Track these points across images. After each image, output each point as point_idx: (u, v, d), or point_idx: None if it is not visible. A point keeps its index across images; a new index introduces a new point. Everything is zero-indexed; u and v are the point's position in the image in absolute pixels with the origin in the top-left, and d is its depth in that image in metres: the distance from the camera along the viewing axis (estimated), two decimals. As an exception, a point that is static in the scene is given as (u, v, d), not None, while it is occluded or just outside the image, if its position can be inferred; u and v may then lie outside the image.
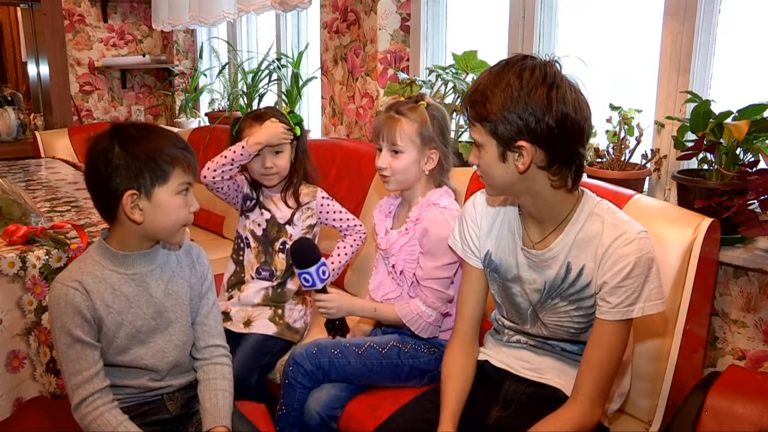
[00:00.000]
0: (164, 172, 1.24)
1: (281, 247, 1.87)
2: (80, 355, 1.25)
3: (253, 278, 1.89)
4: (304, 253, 1.56)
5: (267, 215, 1.87)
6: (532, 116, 1.10)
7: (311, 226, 1.89)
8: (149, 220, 1.25)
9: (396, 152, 1.57)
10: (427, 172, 1.60)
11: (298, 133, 1.85)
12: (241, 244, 1.91)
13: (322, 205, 1.88)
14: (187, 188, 1.28)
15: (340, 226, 1.91)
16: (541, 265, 1.25)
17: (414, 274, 1.61)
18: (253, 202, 1.90)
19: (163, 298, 1.34)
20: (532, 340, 1.34)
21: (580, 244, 1.20)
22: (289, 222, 1.86)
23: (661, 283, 1.18)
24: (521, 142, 1.12)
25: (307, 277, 1.55)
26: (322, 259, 1.57)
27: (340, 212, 1.90)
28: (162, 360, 1.35)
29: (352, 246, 1.91)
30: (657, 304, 1.16)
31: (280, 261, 1.87)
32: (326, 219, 1.90)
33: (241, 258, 1.91)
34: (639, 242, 1.15)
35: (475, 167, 1.29)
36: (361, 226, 1.93)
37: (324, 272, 1.57)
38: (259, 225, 1.88)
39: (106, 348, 1.29)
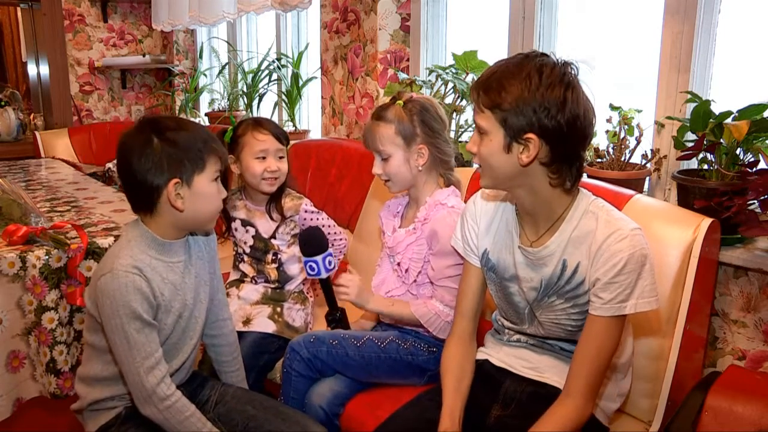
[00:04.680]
0: (202, 160, 1.29)
1: (273, 258, 1.90)
2: (150, 338, 1.27)
3: (252, 282, 1.92)
4: (312, 242, 1.56)
5: (252, 231, 1.89)
6: (546, 111, 1.11)
7: (295, 236, 1.90)
8: (189, 207, 1.29)
9: (384, 158, 1.58)
10: (420, 168, 1.58)
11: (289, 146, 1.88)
12: (238, 258, 1.96)
13: (305, 219, 1.89)
14: (218, 176, 1.33)
15: None
16: (537, 263, 1.25)
17: (419, 273, 1.61)
18: (234, 226, 1.92)
19: (195, 283, 1.39)
20: (532, 340, 1.34)
21: (575, 242, 1.20)
22: (273, 236, 1.88)
23: (655, 281, 1.17)
24: (530, 135, 1.13)
25: (313, 265, 1.55)
26: (330, 250, 1.57)
27: (323, 226, 1.90)
28: (189, 342, 1.39)
29: None
30: (650, 301, 1.16)
31: (273, 270, 1.90)
32: None
33: (239, 267, 1.96)
34: (632, 239, 1.15)
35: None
36: (344, 240, 1.96)
37: (330, 262, 1.57)
38: (245, 242, 1.91)
39: None
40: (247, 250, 1.91)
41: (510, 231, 1.30)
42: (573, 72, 1.14)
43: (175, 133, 1.27)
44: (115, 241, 1.73)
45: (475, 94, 1.19)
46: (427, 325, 1.56)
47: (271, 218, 1.88)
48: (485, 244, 1.35)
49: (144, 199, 1.29)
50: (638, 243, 1.15)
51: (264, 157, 1.79)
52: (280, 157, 1.82)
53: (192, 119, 3.96)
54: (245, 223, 1.90)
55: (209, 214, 1.34)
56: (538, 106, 1.11)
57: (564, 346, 1.30)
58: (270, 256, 1.89)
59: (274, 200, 1.87)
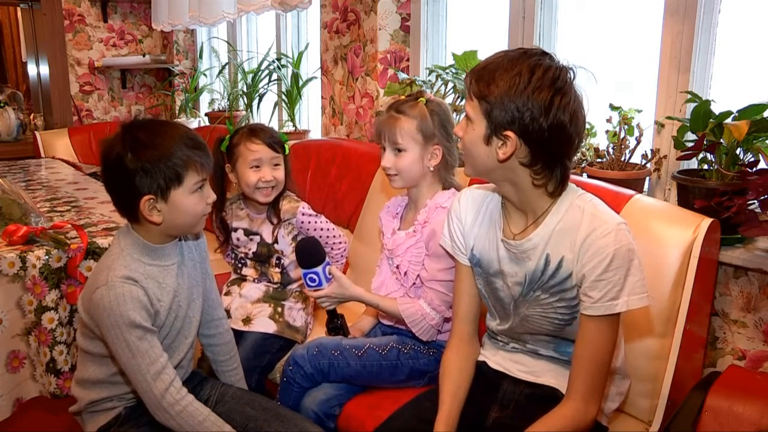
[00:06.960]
0: (178, 175, 1.26)
1: (276, 262, 1.90)
2: (152, 344, 1.26)
3: (254, 282, 1.93)
4: (311, 253, 1.55)
5: (257, 239, 1.89)
6: (529, 112, 1.11)
7: (294, 238, 1.90)
8: (168, 219, 1.28)
9: (399, 151, 1.57)
10: (431, 169, 1.58)
11: (287, 151, 1.87)
12: (239, 264, 1.96)
13: (302, 222, 1.89)
14: (202, 185, 1.31)
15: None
16: (521, 257, 1.24)
17: (418, 276, 1.60)
18: (236, 236, 1.92)
19: (189, 283, 1.40)
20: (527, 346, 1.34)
21: (559, 235, 1.20)
22: (276, 241, 1.88)
23: (645, 277, 1.16)
24: (509, 132, 1.13)
25: (314, 276, 1.54)
26: (328, 259, 1.56)
27: (322, 229, 1.90)
28: (184, 341, 1.40)
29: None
30: (642, 297, 1.15)
31: (276, 273, 1.90)
32: (306, 234, 1.89)
33: (240, 271, 1.96)
34: (617, 234, 1.13)
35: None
36: (343, 243, 1.96)
37: (329, 272, 1.56)
38: (249, 249, 1.91)
39: None
40: (250, 255, 1.91)
41: (494, 225, 1.30)
42: (568, 78, 1.13)
43: (150, 149, 1.23)
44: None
45: (468, 80, 1.19)
46: (411, 326, 1.56)
47: (271, 222, 1.88)
48: (471, 241, 1.34)
49: (124, 210, 1.30)
50: (624, 238, 1.14)
51: (258, 167, 1.80)
52: (276, 165, 1.82)
53: (192, 119, 3.97)
54: (248, 233, 1.90)
55: (191, 222, 1.33)
56: (522, 106, 1.11)
57: (556, 355, 1.30)
58: (273, 260, 1.90)
59: (273, 205, 1.87)
